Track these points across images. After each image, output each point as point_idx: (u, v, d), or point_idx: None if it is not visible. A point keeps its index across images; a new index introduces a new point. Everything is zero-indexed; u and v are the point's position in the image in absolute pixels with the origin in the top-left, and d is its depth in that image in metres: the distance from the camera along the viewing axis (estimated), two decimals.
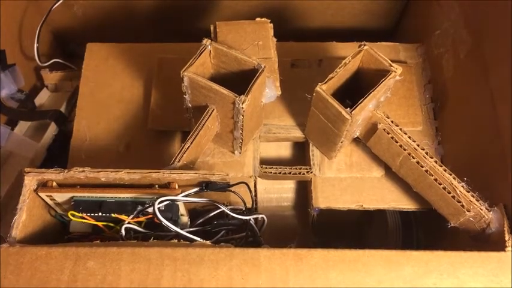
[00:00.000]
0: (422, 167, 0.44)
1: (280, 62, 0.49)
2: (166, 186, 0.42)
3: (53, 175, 0.41)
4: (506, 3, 0.42)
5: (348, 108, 0.42)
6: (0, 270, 0.35)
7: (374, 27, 0.71)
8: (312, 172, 0.51)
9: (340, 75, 0.45)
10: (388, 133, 0.46)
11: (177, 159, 0.43)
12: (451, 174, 0.44)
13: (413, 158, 0.45)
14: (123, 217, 0.42)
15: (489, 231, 0.43)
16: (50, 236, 0.43)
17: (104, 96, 0.56)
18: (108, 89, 0.56)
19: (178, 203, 0.42)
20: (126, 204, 0.42)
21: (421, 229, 0.57)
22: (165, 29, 0.67)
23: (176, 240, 0.40)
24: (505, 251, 0.39)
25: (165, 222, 0.40)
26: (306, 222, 0.56)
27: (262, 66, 0.43)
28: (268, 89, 0.46)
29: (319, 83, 0.43)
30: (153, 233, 0.42)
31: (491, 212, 0.42)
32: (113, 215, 0.42)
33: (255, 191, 0.52)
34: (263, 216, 0.45)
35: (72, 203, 0.42)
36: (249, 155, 0.52)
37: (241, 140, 0.49)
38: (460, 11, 0.50)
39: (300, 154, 0.57)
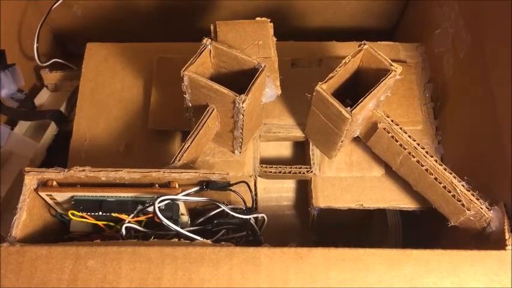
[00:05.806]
0: (422, 166, 0.45)
1: (280, 61, 0.49)
2: (167, 185, 0.42)
3: (53, 174, 0.41)
4: (506, 3, 0.42)
5: (348, 108, 0.42)
6: (1, 270, 0.35)
7: (374, 27, 0.71)
8: (312, 171, 0.51)
9: (340, 75, 0.45)
10: (388, 132, 0.46)
11: (178, 159, 0.43)
12: (451, 173, 0.44)
13: (414, 157, 0.45)
14: (123, 216, 0.42)
15: (489, 230, 0.43)
16: (50, 236, 0.43)
17: (103, 96, 0.56)
18: (108, 88, 0.56)
19: (178, 202, 0.42)
20: (127, 204, 0.42)
21: (422, 228, 0.57)
22: (165, 29, 0.67)
23: (176, 240, 0.40)
24: (505, 249, 0.39)
25: (165, 221, 0.40)
26: (306, 222, 0.56)
27: (263, 65, 0.43)
28: (268, 89, 0.46)
29: (319, 83, 0.43)
30: (154, 232, 0.42)
31: (491, 211, 0.42)
32: (113, 214, 0.42)
33: (255, 190, 0.51)
34: (263, 215, 0.45)
35: (73, 202, 0.42)
36: (249, 155, 0.52)
37: (241, 140, 0.49)
38: (460, 10, 0.50)
39: (300, 153, 0.57)
